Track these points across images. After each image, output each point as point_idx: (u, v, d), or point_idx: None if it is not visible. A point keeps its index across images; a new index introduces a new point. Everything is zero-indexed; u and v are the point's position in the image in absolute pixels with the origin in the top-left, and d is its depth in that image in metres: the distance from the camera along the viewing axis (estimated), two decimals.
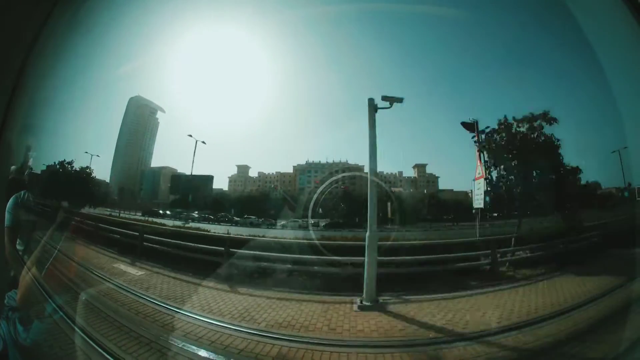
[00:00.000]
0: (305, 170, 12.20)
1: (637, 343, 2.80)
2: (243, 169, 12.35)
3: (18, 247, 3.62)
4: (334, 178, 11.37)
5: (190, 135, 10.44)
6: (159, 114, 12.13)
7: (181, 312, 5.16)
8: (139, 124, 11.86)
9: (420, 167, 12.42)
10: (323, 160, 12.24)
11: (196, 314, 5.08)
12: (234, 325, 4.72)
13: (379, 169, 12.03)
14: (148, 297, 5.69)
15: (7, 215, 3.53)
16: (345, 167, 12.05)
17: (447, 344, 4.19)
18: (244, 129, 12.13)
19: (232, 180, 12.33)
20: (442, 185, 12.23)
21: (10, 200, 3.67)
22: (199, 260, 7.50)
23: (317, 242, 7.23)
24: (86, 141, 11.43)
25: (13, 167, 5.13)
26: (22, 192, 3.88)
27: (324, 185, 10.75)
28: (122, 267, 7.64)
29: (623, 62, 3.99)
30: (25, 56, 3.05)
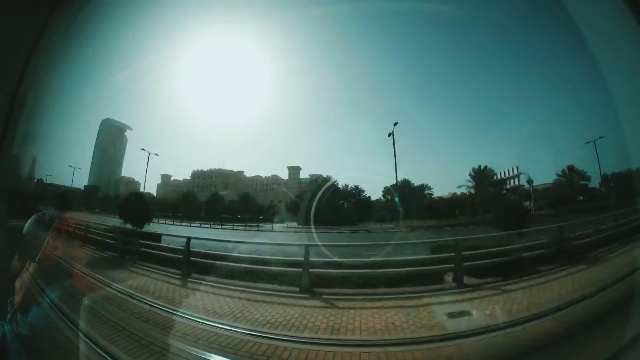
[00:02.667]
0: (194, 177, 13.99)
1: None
2: (165, 178, 14.10)
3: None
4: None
5: (143, 149, 11.78)
6: (127, 132, 13.89)
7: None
8: (109, 142, 13.67)
9: (293, 170, 12.15)
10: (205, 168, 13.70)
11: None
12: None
13: (255, 172, 12.27)
14: None
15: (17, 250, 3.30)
16: (219, 173, 12.96)
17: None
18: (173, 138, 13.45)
19: (159, 187, 14.08)
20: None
21: (27, 225, 3.49)
22: None
23: None
24: (80, 152, 12.61)
25: (19, 177, 5.25)
26: (43, 213, 3.70)
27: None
28: None
29: (621, 61, 3.90)
30: (23, 66, 3.16)
